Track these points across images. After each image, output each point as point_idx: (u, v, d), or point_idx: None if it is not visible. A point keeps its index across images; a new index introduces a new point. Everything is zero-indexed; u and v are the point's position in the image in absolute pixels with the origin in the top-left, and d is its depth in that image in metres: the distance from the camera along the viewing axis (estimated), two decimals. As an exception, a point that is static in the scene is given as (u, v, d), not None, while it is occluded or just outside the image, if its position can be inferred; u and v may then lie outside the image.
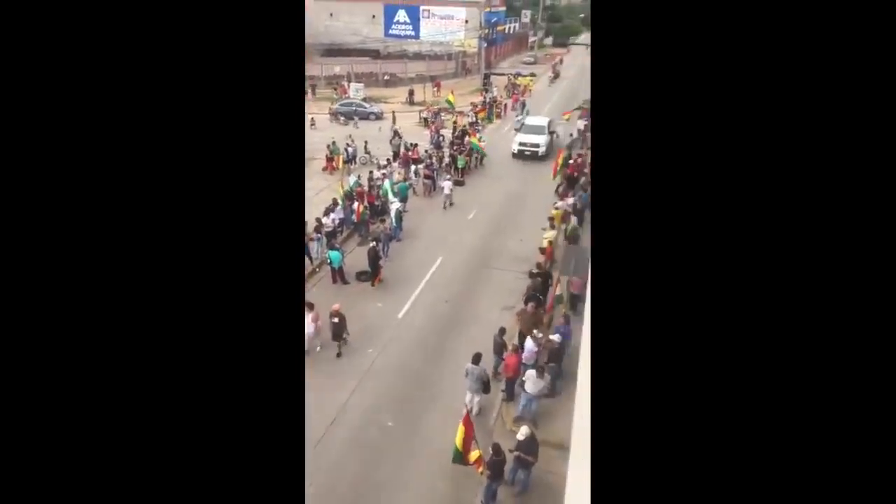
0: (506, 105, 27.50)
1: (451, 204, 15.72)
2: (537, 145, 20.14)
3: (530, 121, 22.14)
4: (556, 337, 8.41)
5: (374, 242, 11.76)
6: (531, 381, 7.66)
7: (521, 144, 20.22)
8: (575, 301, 10.21)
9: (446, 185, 15.93)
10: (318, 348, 9.39)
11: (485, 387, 7.89)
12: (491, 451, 6.39)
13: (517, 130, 21.35)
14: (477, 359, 7.94)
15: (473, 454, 6.43)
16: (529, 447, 6.60)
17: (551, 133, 21.62)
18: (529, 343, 8.34)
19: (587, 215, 13.77)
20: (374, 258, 11.40)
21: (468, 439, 6.43)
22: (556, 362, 8.44)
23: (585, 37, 63.67)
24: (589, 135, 21.20)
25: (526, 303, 9.75)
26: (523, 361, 8.18)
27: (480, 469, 6.45)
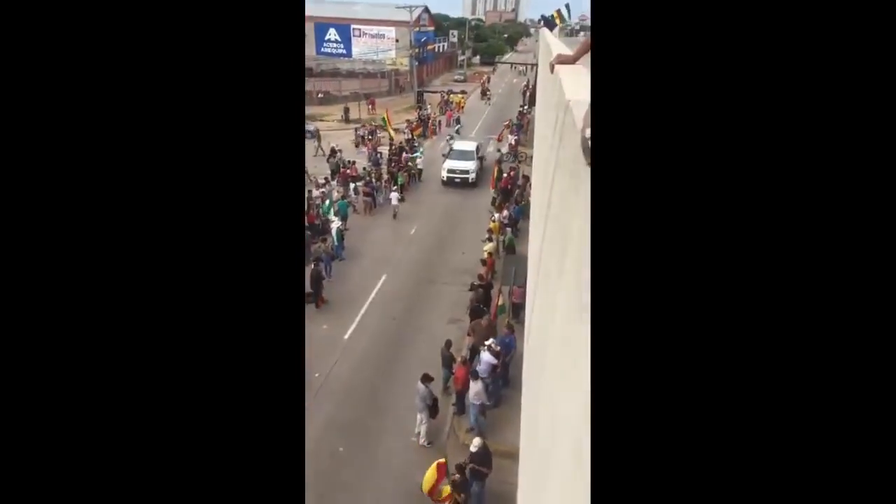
0: (440, 122, 27.83)
1: (395, 215, 16.10)
2: (467, 171, 18.95)
3: (458, 146, 20.62)
4: (493, 342, 8.46)
5: (316, 263, 11.43)
6: (474, 392, 7.68)
7: (449, 172, 18.89)
8: (517, 310, 10.40)
9: (394, 196, 16.35)
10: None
11: (431, 410, 7.69)
12: (455, 472, 6.33)
13: (445, 157, 19.99)
14: (425, 378, 7.78)
15: (445, 489, 6.33)
16: (483, 459, 6.60)
17: (480, 158, 20.35)
18: (486, 355, 8.25)
19: (522, 226, 14.16)
20: (316, 279, 11.07)
21: (439, 480, 6.32)
22: (506, 367, 8.55)
23: (509, 56, 65.87)
24: (519, 148, 21.84)
25: (472, 316, 9.81)
26: (481, 375, 8.17)
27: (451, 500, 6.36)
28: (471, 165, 19.22)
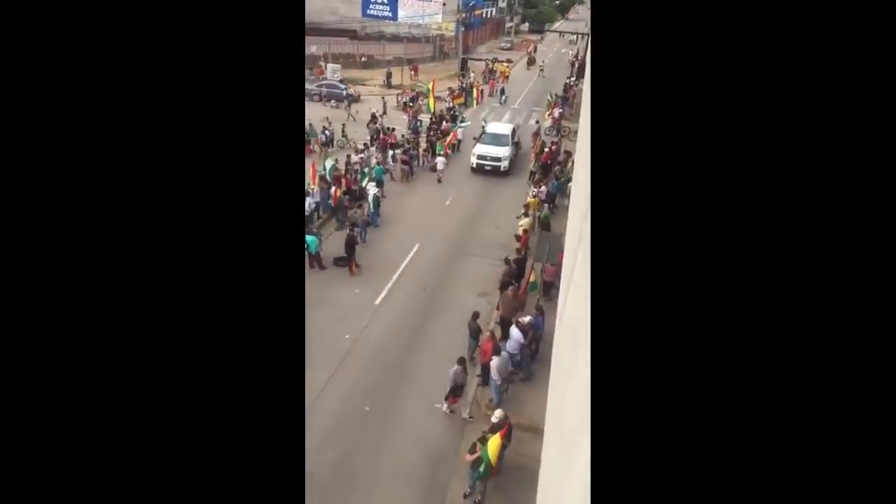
0: (482, 91, 27.32)
1: (440, 181, 16.45)
2: (499, 159, 16.85)
3: (492, 128, 18.48)
4: (527, 318, 8.47)
5: (351, 228, 11.61)
6: (495, 366, 7.76)
7: (479, 158, 16.85)
8: (548, 288, 10.34)
9: (439, 160, 16.83)
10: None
11: (455, 389, 7.81)
12: (478, 442, 6.47)
13: (476, 140, 17.92)
14: (460, 361, 7.86)
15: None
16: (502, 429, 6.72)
17: (516, 143, 18.21)
18: (515, 332, 8.26)
19: (559, 203, 13.93)
20: (350, 245, 11.27)
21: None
22: (534, 345, 8.58)
23: (560, 24, 63.54)
24: (562, 122, 21.26)
25: (502, 289, 9.83)
26: (510, 351, 8.22)
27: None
28: (504, 152, 17.12)
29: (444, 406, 7.87)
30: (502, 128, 18.67)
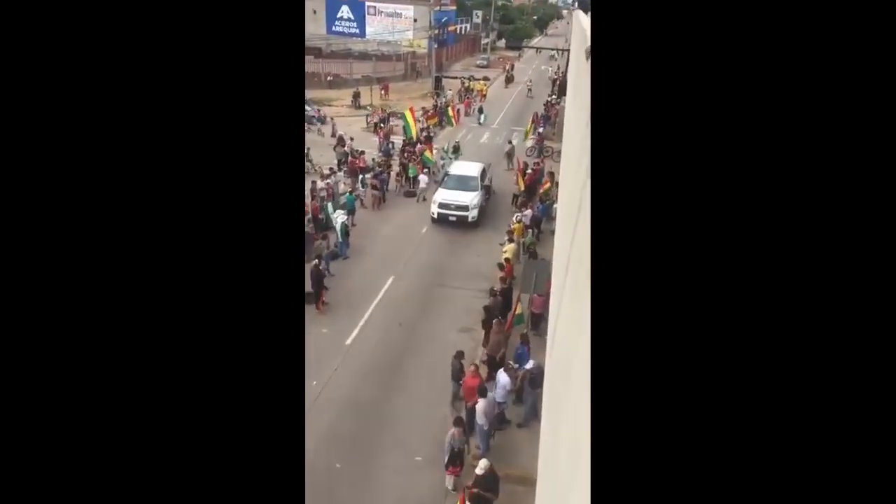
0: (459, 110, 27.88)
1: (424, 199, 16.69)
2: (465, 207, 14.85)
3: (457, 169, 16.64)
4: (530, 365, 8.30)
5: (317, 261, 11.50)
6: (481, 410, 7.63)
7: (441, 206, 14.98)
8: (537, 320, 10.34)
9: (423, 178, 17.18)
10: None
11: (454, 458, 7.19)
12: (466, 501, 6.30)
13: (437, 183, 16.38)
14: (457, 422, 7.43)
15: None
16: (489, 483, 6.57)
17: (486, 187, 16.27)
18: (503, 377, 8.14)
19: (545, 227, 14.11)
20: (317, 278, 11.13)
21: None
22: (537, 388, 8.46)
23: (538, 40, 65.82)
24: (545, 142, 21.76)
25: (485, 325, 9.79)
26: (497, 399, 8.10)
27: None
28: (471, 198, 15.16)
29: (448, 482, 7.35)
30: (469, 168, 16.81)
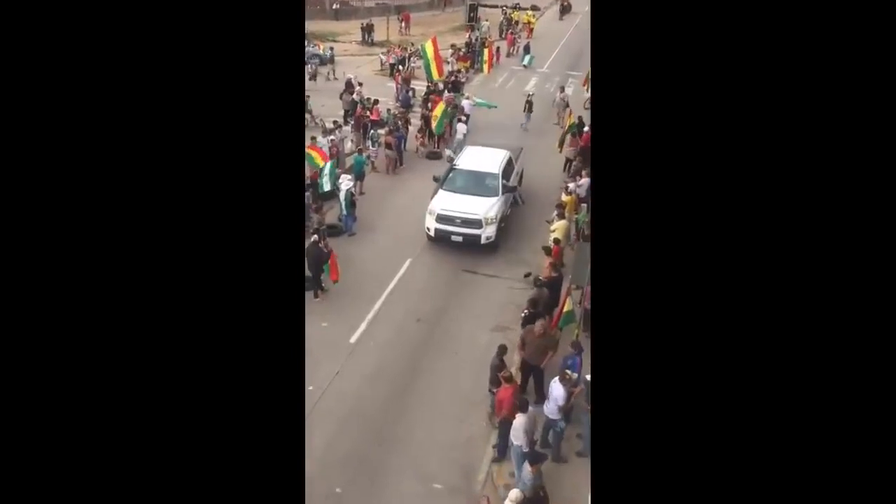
0: (498, 49, 27.65)
1: (455, 151, 16.19)
2: (477, 222, 12.48)
3: (467, 160, 14.14)
4: (588, 377, 8.22)
5: (316, 237, 11.61)
6: (518, 427, 7.65)
7: (440, 220, 12.72)
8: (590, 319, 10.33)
9: (461, 128, 17.15)
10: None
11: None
12: None
13: (437, 182, 13.75)
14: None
15: None
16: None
17: (511, 189, 13.80)
18: (557, 389, 8.08)
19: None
20: (316, 259, 11.28)
21: None
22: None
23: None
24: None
25: (525, 323, 9.81)
26: (549, 416, 8.15)
27: None
28: (487, 207, 12.74)
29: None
30: (487, 158, 14.08)
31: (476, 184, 13.27)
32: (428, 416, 9.09)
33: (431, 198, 13.19)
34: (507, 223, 13.46)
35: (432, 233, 12.89)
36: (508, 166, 14.05)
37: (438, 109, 17.52)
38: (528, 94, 20.56)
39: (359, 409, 9.21)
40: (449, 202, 12.85)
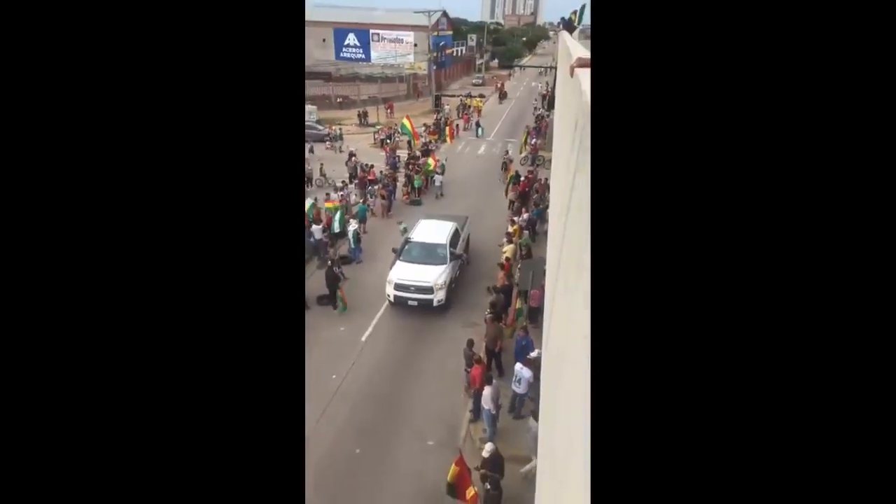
0: (457, 126, 27.88)
1: (441, 195, 17.05)
2: (429, 289, 10.76)
3: (420, 233, 11.98)
4: (534, 354, 8.22)
5: (330, 264, 11.51)
6: (486, 396, 7.61)
7: (397, 288, 10.92)
8: (535, 313, 10.32)
9: (438, 178, 17.43)
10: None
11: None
12: (488, 486, 6.30)
13: (396, 253, 11.73)
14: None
15: (470, 491, 6.36)
16: (495, 464, 6.56)
17: (458, 257, 11.83)
18: (525, 371, 7.97)
19: (539, 229, 14.10)
20: (332, 281, 11.14)
21: (462, 478, 6.35)
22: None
23: (528, 59, 65.77)
24: (539, 152, 21.73)
25: (487, 321, 9.78)
26: (519, 392, 8.03)
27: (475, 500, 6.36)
28: (437, 274, 10.91)
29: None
30: (436, 231, 12.01)
31: (427, 254, 11.43)
32: (422, 392, 8.95)
33: (390, 268, 11.33)
34: (454, 284, 11.61)
35: (392, 299, 11.07)
36: (455, 236, 12.14)
37: (426, 167, 18.41)
38: (504, 157, 20.56)
39: (370, 390, 9.03)
40: (404, 272, 11.09)
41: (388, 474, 7.39)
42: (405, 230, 12.47)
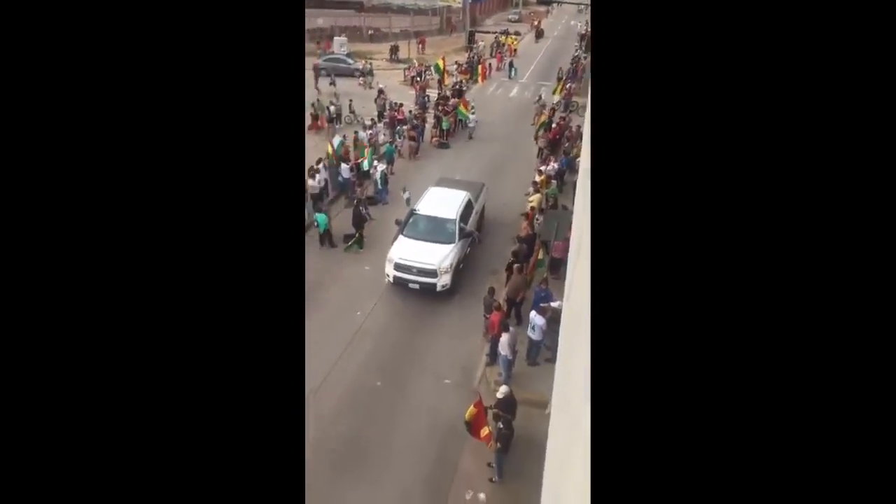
0: (490, 65, 26.82)
1: (472, 137, 17.12)
2: (433, 272, 9.53)
3: (427, 204, 10.63)
4: (556, 304, 8.29)
5: (357, 204, 11.63)
6: (504, 343, 7.83)
7: (398, 268, 9.72)
8: (556, 265, 10.35)
9: (472, 118, 17.46)
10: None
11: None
12: (501, 425, 6.60)
13: (398, 226, 10.40)
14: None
15: (484, 430, 6.68)
16: (508, 405, 6.85)
17: (467, 234, 10.34)
18: (539, 319, 8.15)
19: (568, 179, 13.81)
20: (358, 220, 11.30)
21: (479, 418, 6.67)
22: (559, 325, 8.55)
23: (571, -7, 61.65)
24: (573, 97, 20.88)
25: (508, 269, 9.85)
26: (534, 338, 8.23)
27: (490, 443, 6.70)
28: (441, 256, 9.67)
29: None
30: (446, 202, 10.59)
31: (434, 230, 10.05)
32: (440, 333, 9.24)
33: (392, 243, 10.07)
34: (459, 269, 10.12)
35: (391, 279, 9.85)
36: (467, 209, 10.67)
37: (459, 112, 18.00)
38: (536, 102, 19.79)
39: (391, 329, 9.35)
40: (406, 250, 9.78)
41: (405, 408, 7.81)
42: (409, 200, 11.09)
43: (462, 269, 10.32)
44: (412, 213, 10.52)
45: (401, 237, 10.13)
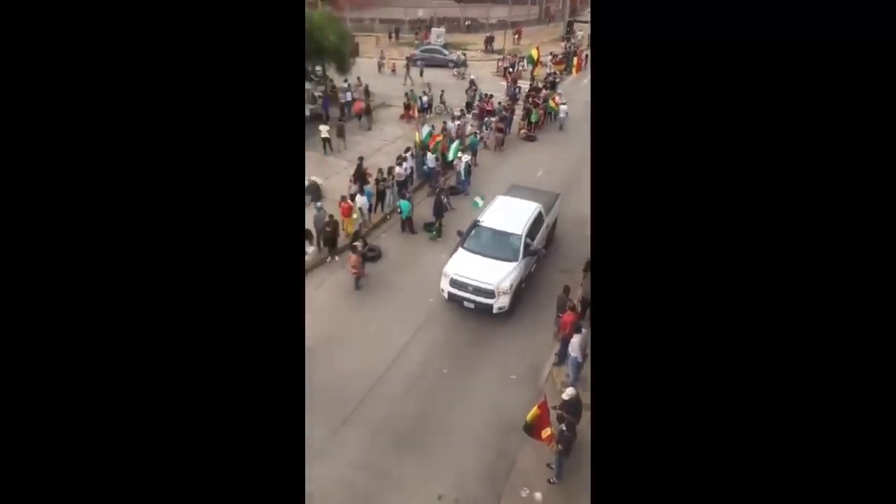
0: (587, 56, 25.82)
1: (562, 128, 16.95)
2: (490, 293, 8.70)
3: (493, 216, 9.71)
4: None
5: (438, 194, 11.82)
6: (575, 344, 7.62)
7: (454, 285, 8.97)
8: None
9: (563, 108, 17.53)
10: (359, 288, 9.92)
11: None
12: (564, 427, 6.52)
13: (460, 237, 9.63)
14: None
15: (546, 431, 6.61)
16: (573, 408, 6.69)
17: (532, 252, 9.35)
18: None
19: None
20: (439, 209, 11.49)
21: (542, 420, 6.57)
22: None
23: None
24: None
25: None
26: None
27: (551, 444, 6.63)
28: (501, 276, 8.80)
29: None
30: (515, 214, 9.61)
31: (497, 245, 9.15)
32: (510, 327, 9.19)
33: (451, 255, 9.34)
34: (520, 290, 9.26)
35: (446, 295, 9.17)
36: (536, 223, 9.65)
37: (548, 105, 17.89)
38: None
39: (460, 319, 9.44)
40: (464, 266, 8.97)
41: (470, 398, 7.89)
42: (476, 204, 10.41)
43: (520, 291, 9.26)
44: (475, 224, 9.65)
45: (460, 250, 9.27)
